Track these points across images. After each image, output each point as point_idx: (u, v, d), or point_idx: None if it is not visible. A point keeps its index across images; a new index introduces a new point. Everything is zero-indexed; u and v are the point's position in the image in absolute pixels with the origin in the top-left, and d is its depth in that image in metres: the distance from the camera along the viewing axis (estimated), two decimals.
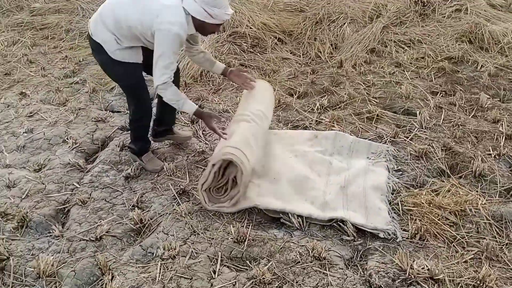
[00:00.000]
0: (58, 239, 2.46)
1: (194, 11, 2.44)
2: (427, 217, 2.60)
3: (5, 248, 2.36)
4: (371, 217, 2.54)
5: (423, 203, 2.70)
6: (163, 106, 2.93)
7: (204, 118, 2.74)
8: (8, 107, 3.93)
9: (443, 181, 2.93)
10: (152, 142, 3.22)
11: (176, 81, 2.89)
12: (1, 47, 5.25)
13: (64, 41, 5.45)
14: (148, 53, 2.65)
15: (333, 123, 3.58)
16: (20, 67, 4.76)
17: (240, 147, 2.57)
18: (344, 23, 5.32)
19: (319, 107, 3.87)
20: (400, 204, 2.71)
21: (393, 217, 2.59)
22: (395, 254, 2.34)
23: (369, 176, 2.86)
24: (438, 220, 2.59)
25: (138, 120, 2.95)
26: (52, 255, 2.33)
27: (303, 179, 2.86)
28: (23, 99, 4.09)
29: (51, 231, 2.52)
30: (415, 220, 2.58)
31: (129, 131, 3.13)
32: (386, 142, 3.33)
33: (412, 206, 2.69)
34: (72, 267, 2.26)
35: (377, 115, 3.69)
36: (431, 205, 2.69)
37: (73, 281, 2.18)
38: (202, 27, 2.55)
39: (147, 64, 2.68)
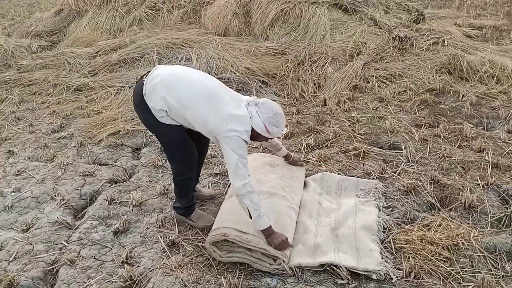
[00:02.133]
0: None
1: (256, 124, 2.54)
2: (420, 254, 2.59)
3: None
4: (362, 258, 2.51)
5: (415, 240, 2.68)
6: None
7: (275, 235, 2.53)
8: None
9: (434, 215, 2.93)
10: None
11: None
12: None
13: (51, 95, 5.50)
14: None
15: (321, 162, 3.59)
16: (7, 124, 4.78)
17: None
18: (326, 63, 5.45)
19: (305, 146, 3.90)
20: (392, 242, 2.69)
21: (386, 257, 2.57)
22: None
23: (359, 216, 2.85)
24: (431, 256, 2.57)
25: (183, 173, 2.81)
26: None
27: (297, 224, 2.83)
28: (11, 157, 4.08)
29: None
30: (409, 258, 2.56)
31: (174, 191, 3.02)
32: (374, 178, 3.34)
33: (405, 243, 2.68)
34: None
35: (364, 152, 3.72)
36: (423, 241, 2.67)
37: None
38: (255, 137, 2.64)
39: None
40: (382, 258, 2.53)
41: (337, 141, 3.97)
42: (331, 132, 4.12)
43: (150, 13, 7.14)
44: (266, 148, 3.65)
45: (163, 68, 2.64)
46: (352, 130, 4.16)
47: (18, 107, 5.23)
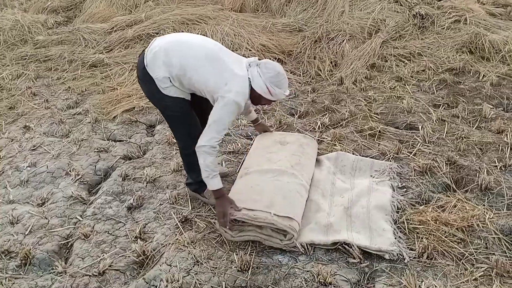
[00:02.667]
0: (61, 275, 2.44)
1: (257, 85, 2.50)
2: (433, 234, 2.56)
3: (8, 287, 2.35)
4: (375, 238, 2.50)
5: (429, 221, 2.65)
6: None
7: (224, 200, 2.59)
8: (12, 141, 3.97)
9: (449, 196, 2.88)
10: None
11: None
12: (6, 81, 5.32)
13: (67, 71, 5.52)
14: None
15: (335, 142, 3.55)
16: (24, 100, 4.82)
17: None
18: (343, 40, 5.34)
19: (320, 126, 3.85)
20: (405, 223, 2.67)
21: (399, 237, 2.55)
22: (403, 276, 2.29)
23: (373, 196, 2.83)
24: (445, 237, 2.54)
25: (188, 146, 2.72)
26: None
27: (309, 202, 2.82)
28: (27, 132, 4.12)
29: (54, 268, 2.50)
30: (422, 238, 2.54)
31: (182, 166, 3.02)
32: (389, 159, 3.30)
33: (418, 224, 2.65)
34: None
35: (379, 132, 3.66)
36: (438, 222, 2.64)
37: None
38: (258, 99, 2.61)
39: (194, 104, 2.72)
40: (395, 238, 2.51)
41: (353, 121, 3.92)
42: (346, 111, 4.06)
43: None
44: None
45: (161, 38, 2.63)
46: (368, 109, 4.10)
47: (34, 83, 5.26)
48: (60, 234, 2.78)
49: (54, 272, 2.48)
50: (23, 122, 4.32)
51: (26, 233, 2.78)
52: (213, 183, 2.55)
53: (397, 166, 3.19)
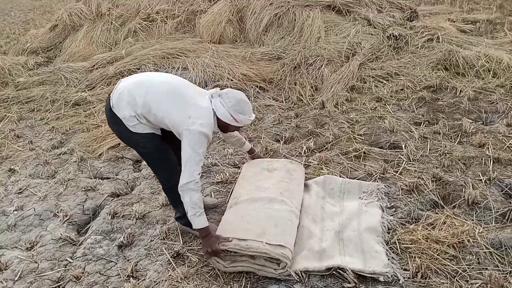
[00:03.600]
0: None
1: (220, 114, 2.58)
2: (426, 253, 2.58)
3: None
4: (369, 261, 2.50)
5: (420, 239, 2.68)
6: None
7: (211, 238, 2.55)
8: None
9: (438, 213, 2.92)
10: None
11: None
12: None
13: (50, 111, 5.51)
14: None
15: (322, 165, 3.59)
16: (7, 143, 4.78)
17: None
18: (322, 65, 5.46)
19: (306, 150, 3.90)
20: (397, 243, 2.69)
21: (392, 258, 2.56)
22: None
23: (363, 218, 2.85)
24: (437, 255, 2.56)
25: (168, 180, 2.81)
26: None
27: (301, 228, 2.83)
28: (12, 175, 4.08)
29: None
30: (415, 257, 2.55)
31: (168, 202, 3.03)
32: (376, 179, 3.34)
33: (410, 243, 2.67)
34: None
35: (364, 153, 3.72)
36: (429, 240, 2.67)
37: None
38: (225, 127, 2.70)
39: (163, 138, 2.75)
40: (389, 260, 2.52)
41: (337, 143, 3.97)
42: (330, 134, 4.12)
43: (145, 24, 7.15)
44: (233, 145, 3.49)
45: (126, 79, 2.70)
46: (351, 131, 4.16)
47: (18, 125, 5.24)
48: (50, 278, 2.72)
49: None
50: (8, 165, 4.27)
51: (16, 279, 2.72)
52: (199, 221, 2.53)
53: (385, 186, 3.23)
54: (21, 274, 2.77)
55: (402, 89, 4.97)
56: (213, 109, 2.58)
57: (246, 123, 2.71)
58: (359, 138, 4.02)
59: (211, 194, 3.41)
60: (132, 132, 2.61)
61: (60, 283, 2.69)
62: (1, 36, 11.07)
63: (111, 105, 2.61)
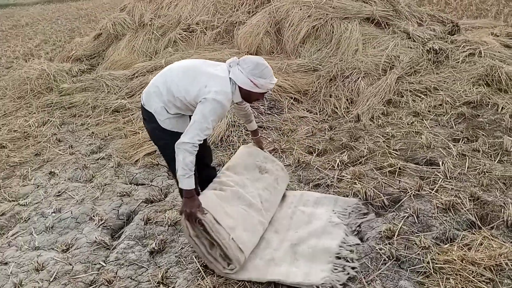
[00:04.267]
0: None
1: (241, 81, 2.57)
2: (460, 274, 2.49)
3: None
4: (311, 275, 2.55)
5: (455, 260, 2.59)
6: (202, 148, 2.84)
7: (194, 201, 2.56)
8: (37, 187, 4.08)
9: (474, 234, 2.82)
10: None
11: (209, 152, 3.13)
12: (32, 128, 5.52)
13: (90, 117, 5.71)
14: None
15: (355, 180, 3.55)
16: (49, 146, 4.98)
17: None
18: (358, 78, 5.41)
19: (339, 163, 3.86)
20: (431, 262, 2.61)
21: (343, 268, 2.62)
22: None
23: (323, 239, 2.88)
24: (473, 277, 2.47)
25: None
26: None
27: (261, 240, 2.91)
28: (52, 178, 4.24)
29: None
30: (449, 279, 2.47)
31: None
32: (410, 196, 3.26)
33: (443, 263, 2.59)
34: None
35: (399, 168, 3.64)
36: (464, 261, 2.57)
37: None
38: (248, 96, 2.68)
39: None
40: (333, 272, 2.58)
41: (372, 158, 3.91)
42: (365, 148, 4.06)
43: (185, 34, 7.32)
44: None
45: (153, 77, 2.79)
46: (387, 146, 4.09)
47: (59, 129, 5.45)
48: (84, 280, 2.80)
49: None
50: (48, 168, 4.44)
51: (51, 280, 2.82)
52: (187, 183, 2.50)
53: (362, 205, 3.24)
54: (56, 275, 2.86)
55: (440, 104, 4.85)
56: (231, 78, 2.58)
57: (269, 88, 2.63)
58: (395, 153, 3.95)
59: None
60: (162, 129, 2.68)
61: (92, 286, 2.77)
62: (48, 43, 11.59)
63: (143, 103, 2.73)
